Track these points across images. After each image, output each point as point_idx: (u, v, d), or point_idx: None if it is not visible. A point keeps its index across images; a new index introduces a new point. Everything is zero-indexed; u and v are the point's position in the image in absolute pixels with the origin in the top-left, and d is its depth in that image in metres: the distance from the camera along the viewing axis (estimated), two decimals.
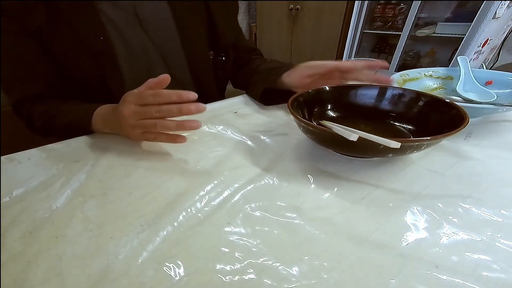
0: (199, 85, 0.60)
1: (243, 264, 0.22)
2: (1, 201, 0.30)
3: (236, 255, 0.23)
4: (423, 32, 1.67)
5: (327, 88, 0.43)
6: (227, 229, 0.25)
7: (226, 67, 0.62)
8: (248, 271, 0.21)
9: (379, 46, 2.06)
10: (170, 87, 0.55)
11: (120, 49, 0.48)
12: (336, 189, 0.30)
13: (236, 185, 0.31)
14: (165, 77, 0.34)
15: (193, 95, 0.32)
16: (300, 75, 0.48)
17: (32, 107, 0.47)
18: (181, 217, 0.27)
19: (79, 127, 0.43)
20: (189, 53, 0.56)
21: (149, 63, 0.53)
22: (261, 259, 0.22)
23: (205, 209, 0.28)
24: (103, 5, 0.46)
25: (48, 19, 0.42)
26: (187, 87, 0.58)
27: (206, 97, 0.59)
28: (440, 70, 0.55)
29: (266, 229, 0.25)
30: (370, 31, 1.94)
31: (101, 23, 0.45)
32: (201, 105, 0.31)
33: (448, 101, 0.35)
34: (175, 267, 0.22)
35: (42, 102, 0.47)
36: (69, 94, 0.50)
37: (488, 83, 0.51)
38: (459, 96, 0.48)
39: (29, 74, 0.46)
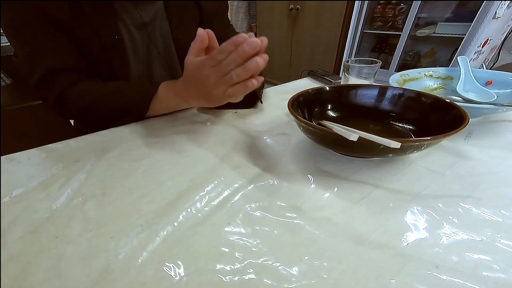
0: None
1: (243, 264, 0.22)
2: (1, 201, 0.30)
3: (236, 255, 0.23)
4: (423, 32, 1.67)
5: (327, 88, 0.43)
6: (227, 229, 0.25)
7: None
8: (248, 271, 0.21)
9: (379, 46, 2.06)
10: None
11: (128, 47, 0.50)
12: (336, 189, 0.30)
13: (236, 185, 0.31)
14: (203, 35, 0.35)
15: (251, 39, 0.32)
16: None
17: (66, 86, 0.46)
18: (181, 217, 0.27)
19: (135, 111, 0.44)
20: (182, 54, 0.57)
21: (150, 61, 0.55)
22: (261, 259, 0.22)
23: (205, 209, 0.28)
24: (119, 9, 0.48)
25: (71, 13, 0.44)
26: None
27: None
28: (440, 70, 0.55)
29: (266, 229, 0.25)
30: (370, 31, 1.94)
31: (117, 24, 0.48)
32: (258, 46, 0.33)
33: (448, 101, 0.35)
34: (175, 267, 0.22)
35: (81, 83, 0.47)
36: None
37: (488, 83, 0.50)
38: (459, 96, 0.48)
39: (58, 48, 0.45)
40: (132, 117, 0.46)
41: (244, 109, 0.53)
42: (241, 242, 0.24)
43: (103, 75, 0.49)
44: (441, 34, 1.62)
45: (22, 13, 0.42)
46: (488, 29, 1.43)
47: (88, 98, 0.46)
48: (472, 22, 1.44)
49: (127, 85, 0.49)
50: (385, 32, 1.87)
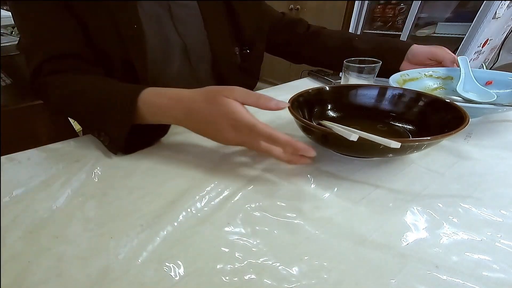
0: (221, 81, 0.60)
1: (243, 264, 0.22)
2: (1, 201, 0.30)
3: (236, 255, 0.23)
4: (423, 32, 1.67)
5: (327, 88, 0.43)
6: (227, 229, 0.25)
7: (252, 59, 0.63)
8: (248, 271, 0.21)
9: None
10: (188, 82, 0.54)
11: (148, 37, 0.48)
12: (336, 189, 0.30)
13: (236, 185, 0.31)
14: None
15: (311, 152, 0.29)
16: (426, 58, 0.58)
17: (50, 75, 0.42)
18: (181, 217, 0.27)
19: (113, 109, 0.36)
20: (214, 48, 0.56)
21: (170, 54, 0.53)
22: (261, 259, 0.22)
23: (205, 209, 0.28)
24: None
25: None
26: (206, 83, 0.59)
27: None
28: (440, 70, 0.55)
29: (266, 229, 0.25)
30: (370, 31, 1.94)
31: (137, 12, 0.45)
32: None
33: (448, 101, 0.35)
34: (175, 267, 0.22)
35: (64, 74, 0.42)
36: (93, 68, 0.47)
37: (488, 83, 0.50)
38: (459, 96, 0.48)
39: (56, 35, 0.42)
40: (112, 121, 0.36)
41: None
42: (241, 242, 0.24)
43: (119, 71, 0.46)
44: (441, 34, 1.62)
45: None
46: (488, 29, 1.42)
47: (68, 88, 0.40)
48: (472, 22, 1.43)
49: (113, 82, 0.42)
50: (385, 32, 1.86)
